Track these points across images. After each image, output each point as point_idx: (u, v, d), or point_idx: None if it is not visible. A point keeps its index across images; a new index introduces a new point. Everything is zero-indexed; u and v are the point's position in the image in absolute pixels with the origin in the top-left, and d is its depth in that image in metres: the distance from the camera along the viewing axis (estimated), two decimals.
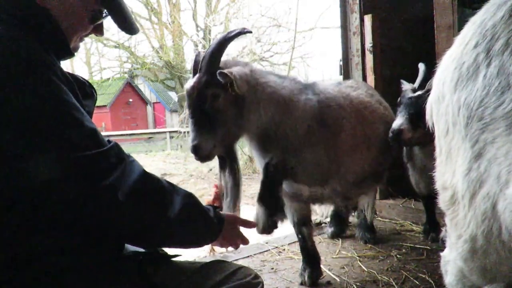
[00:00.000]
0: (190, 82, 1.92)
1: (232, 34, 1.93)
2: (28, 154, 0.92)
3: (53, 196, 0.95)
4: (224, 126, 1.89)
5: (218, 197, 1.88)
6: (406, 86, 2.78)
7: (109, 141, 1.09)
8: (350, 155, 2.26)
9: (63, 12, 1.13)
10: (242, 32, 2.00)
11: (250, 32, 2.10)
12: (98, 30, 1.28)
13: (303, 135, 2.08)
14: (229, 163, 1.98)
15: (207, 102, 1.86)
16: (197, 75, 1.91)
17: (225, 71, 1.84)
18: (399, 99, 2.66)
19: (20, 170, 0.92)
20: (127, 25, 1.26)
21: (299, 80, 2.27)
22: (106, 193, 0.99)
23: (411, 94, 2.58)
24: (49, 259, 0.99)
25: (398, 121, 2.49)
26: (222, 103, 1.88)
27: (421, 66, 2.75)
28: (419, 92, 2.55)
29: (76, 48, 1.25)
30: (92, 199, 0.97)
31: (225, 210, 1.90)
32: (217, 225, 1.25)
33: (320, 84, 2.34)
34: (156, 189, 1.11)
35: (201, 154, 1.86)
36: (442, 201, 1.15)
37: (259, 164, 2.24)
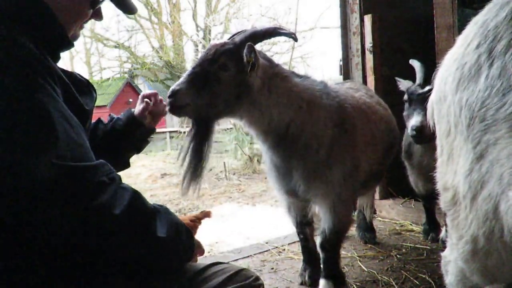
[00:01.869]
0: (217, 41, 1.90)
1: (282, 31, 1.91)
2: (14, 157, 0.89)
3: (39, 211, 0.90)
4: (212, 95, 1.79)
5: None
6: (404, 84, 2.76)
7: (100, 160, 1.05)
8: (363, 155, 2.24)
9: (61, 2, 1.10)
10: (290, 35, 1.95)
11: (296, 40, 2.02)
12: (97, 15, 1.25)
13: (329, 143, 2.02)
14: (198, 132, 1.82)
15: (214, 66, 1.80)
16: (227, 40, 1.88)
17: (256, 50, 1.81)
18: (406, 96, 2.64)
19: (5, 173, 0.88)
20: (125, 4, 1.24)
21: (317, 81, 2.20)
22: (97, 213, 0.95)
23: (421, 90, 2.55)
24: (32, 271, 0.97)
25: (417, 118, 2.46)
26: (226, 76, 1.81)
27: (415, 63, 2.73)
28: (428, 87, 2.52)
29: (75, 37, 1.23)
30: (82, 219, 0.93)
31: (183, 182, 1.79)
32: (192, 249, 1.25)
33: (330, 85, 2.29)
34: (147, 210, 1.08)
35: (173, 101, 1.73)
36: (443, 202, 1.15)
37: (274, 173, 2.13)
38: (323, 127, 2.02)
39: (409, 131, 2.52)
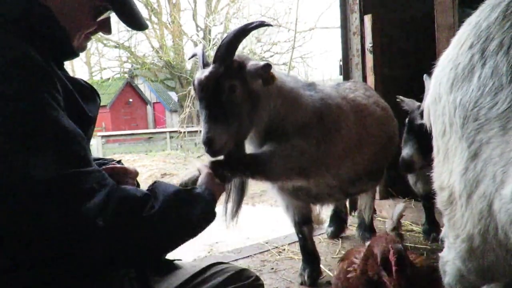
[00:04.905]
0: (204, 72, 1.83)
1: (252, 25, 1.88)
2: (14, 161, 0.89)
3: (27, 215, 0.89)
4: (238, 120, 1.82)
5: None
6: (408, 103, 2.68)
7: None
8: (344, 154, 2.25)
9: (64, 8, 1.08)
10: (263, 24, 1.95)
11: (271, 25, 2.04)
12: (105, 28, 1.21)
13: (300, 126, 2.07)
14: (242, 167, 1.89)
15: (224, 94, 1.79)
16: (212, 65, 1.83)
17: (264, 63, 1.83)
18: (406, 121, 2.62)
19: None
20: (132, 20, 1.19)
21: (299, 79, 2.27)
22: (83, 219, 0.92)
23: (420, 121, 2.46)
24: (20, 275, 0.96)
25: (408, 151, 2.48)
26: (239, 96, 1.82)
27: (427, 80, 2.54)
28: None
29: (82, 48, 1.19)
30: (68, 224, 0.91)
31: (227, 213, 1.90)
32: (210, 204, 1.20)
33: (320, 84, 2.33)
34: (138, 206, 1.03)
35: (214, 147, 1.75)
36: (440, 201, 1.15)
37: None
38: (302, 115, 2.07)
39: (400, 160, 2.55)
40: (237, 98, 1.82)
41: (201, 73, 1.83)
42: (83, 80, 1.21)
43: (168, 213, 1.04)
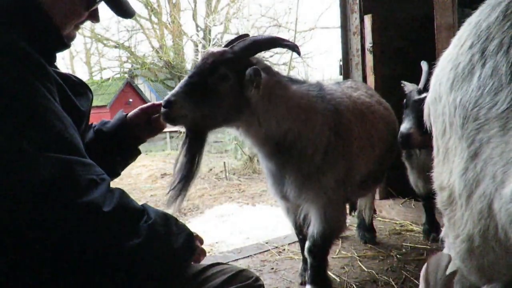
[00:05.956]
0: (214, 48, 1.76)
1: (284, 42, 1.82)
2: (9, 156, 0.89)
3: (25, 206, 0.89)
4: (211, 107, 1.69)
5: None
6: (409, 87, 2.74)
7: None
8: (359, 157, 2.22)
9: (55, 1, 1.09)
10: (294, 49, 1.85)
11: (299, 54, 1.93)
12: (93, 17, 1.22)
13: (324, 149, 2.00)
14: (192, 145, 1.73)
15: (213, 77, 1.68)
16: (226, 48, 1.76)
17: (261, 72, 1.72)
18: (405, 101, 2.64)
19: None
20: (122, 8, 1.22)
21: (312, 85, 2.16)
22: (87, 210, 0.94)
23: (417, 96, 2.53)
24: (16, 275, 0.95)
25: (407, 125, 2.47)
26: (225, 88, 1.71)
27: (424, 66, 2.67)
28: (425, 94, 2.51)
29: (70, 37, 1.21)
30: (71, 216, 0.92)
31: (169, 195, 1.72)
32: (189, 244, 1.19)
33: (326, 86, 2.25)
34: (135, 209, 1.07)
35: (170, 111, 1.60)
36: (440, 201, 1.16)
37: (270, 179, 2.12)
38: (319, 133, 2.00)
39: (398, 135, 2.54)
40: (223, 88, 1.70)
41: (212, 48, 1.79)
42: (74, 76, 1.22)
43: (158, 230, 1.07)
